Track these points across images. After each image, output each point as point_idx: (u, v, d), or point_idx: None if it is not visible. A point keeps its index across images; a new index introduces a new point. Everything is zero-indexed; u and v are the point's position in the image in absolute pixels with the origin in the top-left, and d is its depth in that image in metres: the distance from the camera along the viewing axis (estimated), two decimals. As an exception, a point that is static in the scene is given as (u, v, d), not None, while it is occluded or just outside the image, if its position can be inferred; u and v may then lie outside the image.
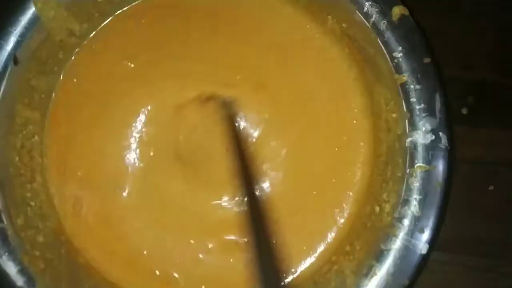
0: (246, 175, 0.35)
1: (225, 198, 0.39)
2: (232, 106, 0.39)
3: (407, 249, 0.33)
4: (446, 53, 0.42)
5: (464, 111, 0.45)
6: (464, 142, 0.43)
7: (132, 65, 0.41)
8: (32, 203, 0.39)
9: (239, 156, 0.36)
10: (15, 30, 0.37)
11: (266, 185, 0.39)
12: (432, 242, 0.32)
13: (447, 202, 0.33)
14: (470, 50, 0.46)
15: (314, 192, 0.38)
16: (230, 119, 0.38)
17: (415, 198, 0.33)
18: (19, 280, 0.35)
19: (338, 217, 0.38)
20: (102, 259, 0.39)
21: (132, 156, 0.40)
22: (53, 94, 0.41)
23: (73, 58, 0.42)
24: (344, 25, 0.39)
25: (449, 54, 0.44)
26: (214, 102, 0.39)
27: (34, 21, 0.38)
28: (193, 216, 0.39)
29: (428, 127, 0.34)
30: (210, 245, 0.38)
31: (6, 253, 0.35)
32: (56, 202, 0.40)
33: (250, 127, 0.40)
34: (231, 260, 0.38)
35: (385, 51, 0.36)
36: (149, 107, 0.40)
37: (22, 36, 0.37)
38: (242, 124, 0.39)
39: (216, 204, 0.39)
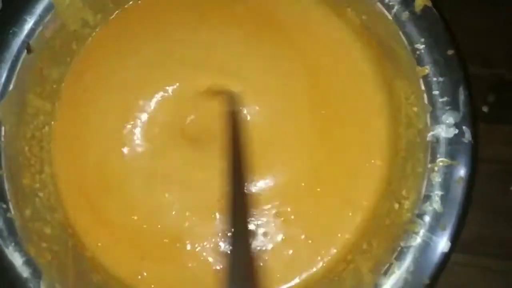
0: (238, 176, 0.33)
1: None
2: (236, 102, 0.38)
3: (428, 246, 0.31)
4: (465, 49, 0.41)
5: (485, 109, 0.44)
6: (485, 140, 0.41)
7: (144, 54, 0.40)
8: (41, 194, 0.38)
9: (234, 154, 0.34)
10: (29, 18, 0.37)
11: (281, 179, 0.38)
12: (454, 240, 0.31)
13: (470, 199, 0.32)
14: (490, 47, 0.44)
15: (330, 188, 0.37)
16: (233, 114, 0.37)
17: (437, 194, 0.32)
18: (25, 272, 0.34)
19: (354, 214, 0.37)
20: (108, 251, 0.39)
21: (140, 142, 0.39)
22: (64, 83, 0.41)
23: (85, 47, 0.41)
24: (363, 17, 0.38)
25: (468, 51, 0.43)
26: (222, 96, 0.38)
27: (49, 10, 0.37)
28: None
29: (452, 120, 0.33)
30: None
31: (13, 244, 0.35)
32: (64, 193, 0.39)
33: (266, 122, 0.39)
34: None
35: (406, 43, 0.35)
36: (160, 96, 0.40)
37: (36, 24, 0.37)
38: (251, 118, 0.38)
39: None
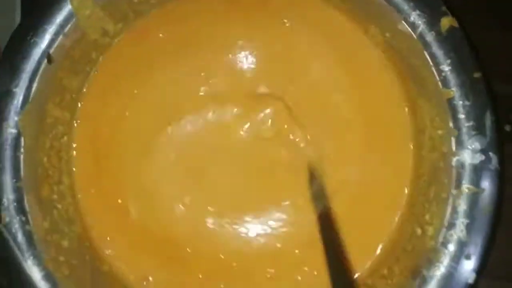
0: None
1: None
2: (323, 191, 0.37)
3: (452, 276, 0.31)
4: (488, 67, 0.40)
5: (508, 128, 0.43)
6: (507, 160, 0.40)
7: (163, 65, 0.40)
8: (59, 206, 0.38)
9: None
10: (50, 28, 0.36)
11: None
12: (480, 271, 0.30)
13: (496, 228, 0.31)
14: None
15: (353, 211, 0.37)
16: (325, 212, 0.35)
17: (462, 222, 0.31)
18: (43, 286, 0.34)
19: (375, 238, 0.36)
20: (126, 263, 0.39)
21: (162, 155, 0.39)
22: (84, 92, 0.41)
23: (104, 56, 0.41)
24: (387, 34, 0.37)
25: (491, 68, 0.42)
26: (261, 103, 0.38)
27: (69, 20, 0.37)
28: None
29: (478, 146, 0.32)
30: None
31: (31, 257, 0.35)
32: (83, 204, 0.39)
33: (292, 144, 0.38)
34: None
35: (431, 64, 0.34)
36: (179, 107, 0.40)
37: (57, 34, 0.37)
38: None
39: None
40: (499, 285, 0.39)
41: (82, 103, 0.41)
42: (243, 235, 0.39)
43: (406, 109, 0.38)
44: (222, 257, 0.38)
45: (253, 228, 0.39)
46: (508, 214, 0.39)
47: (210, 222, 0.39)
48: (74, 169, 0.40)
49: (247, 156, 0.39)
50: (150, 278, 0.39)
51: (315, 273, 0.37)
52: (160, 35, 0.40)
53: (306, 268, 0.37)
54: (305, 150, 0.38)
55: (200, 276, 0.38)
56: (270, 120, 0.38)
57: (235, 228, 0.39)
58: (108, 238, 0.39)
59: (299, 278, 0.38)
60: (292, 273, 0.38)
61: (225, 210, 0.39)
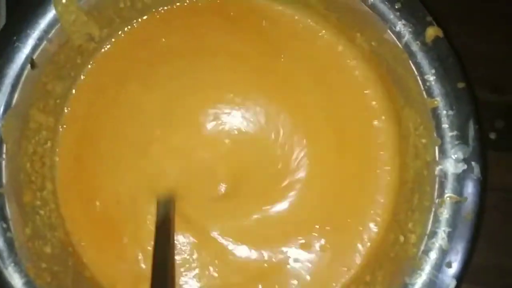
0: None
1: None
2: (169, 206, 0.37)
3: (433, 284, 0.31)
4: (475, 75, 0.41)
5: (492, 135, 0.43)
6: (492, 168, 0.41)
7: (151, 74, 0.39)
8: (42, 212, 0.38)
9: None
10: (33, 33, 0.36)
11: (285, 205, 0.37)
12: (460, 278, 0.31)
13: (477, 236, 0.31)
14: (500, 73, 0.44)
15: (336, 215, 0.37)
16: (167, 223, 0.35)
17: (444, 231, 0.32)
18: (24, 294, 0.34)
19: (358, 244, 0.36)
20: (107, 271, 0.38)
21: (150, 169, 0.39)
22: (69, 98, 0.40)
23: (91, 63, 0.41)
24: (373, 43, 0.37)
25: (478, 77, 0.42)
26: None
27: (54, 25, 0.37)
28: None
29: (460, 155, 0.32)
30: None
31: (12, 264, 0.34)
32: (64, 209, 0.39)
33: (278, 148, 0.38)
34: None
35: (416, 73, 0.34)
36: (166, 119, 0.39)
37: (41, 39, 0.36)
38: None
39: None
40: (480, 291, 0.40)
41: (69, 108, 0.40)
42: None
43: (392, 119, 0.38)
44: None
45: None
46: (490, 222, 0.40)
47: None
48: (57, 174, 0.39)
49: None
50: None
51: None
52: (148, 42, 0.40)
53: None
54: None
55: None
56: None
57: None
58: (88, 245, 0.38)
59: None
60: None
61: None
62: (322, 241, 0.37)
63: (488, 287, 0.40)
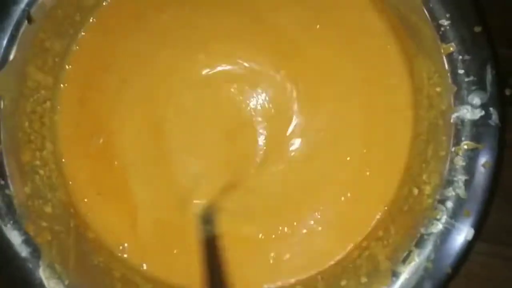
0: None
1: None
2: (211, 220, 0.37)
3: (450, 233, 0.30)
4: (492, 28, 0.39)
5: (507, 92, 0.41)
6: (508, 125, 0.39)
7: (154, 26, 0.38)
8: (41, 172, 0.37)
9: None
10: (30, -15, 0.35)
11: (297, 168, 0.37)
12: (478, 227, 0.29)
13: (496, 185, 0.30)
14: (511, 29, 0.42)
15: (344, 175, 0.36)
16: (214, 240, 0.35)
17: (460, 179, 0.30)
18: (23, 251, 0.33)
19: (375, 205, 0.35)
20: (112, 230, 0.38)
21: (148, 131, 0.38)
22: (69, 56, 0.39)
23: (91, 19, 0.39)
24: (383, -11, 0.36)
25: (495, 30, 0.40)
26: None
27: (51, -24, 0.35)
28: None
29: (478, 101, 0.31)
30: None
31: (11, 221, 0.34)
32: (67, 171, 0.38)
33: (282, 105, 0.37)
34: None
35: (430, 19, 0.33)
36: (171, 75, 0.38)
37: (37, -8, 0.35)
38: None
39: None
40: (498, 250, 0.38)
41: (70, 66, 0.39)
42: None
43: (405, 69, 0.36)
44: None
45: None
46: (506, 180, 0.38)
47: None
48: (58, 133, 0.39)
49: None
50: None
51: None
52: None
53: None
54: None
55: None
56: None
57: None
58: (93, 204, 0.38)
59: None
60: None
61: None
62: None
63: (508, 246, 0.38)
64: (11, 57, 0.35)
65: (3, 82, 0.34)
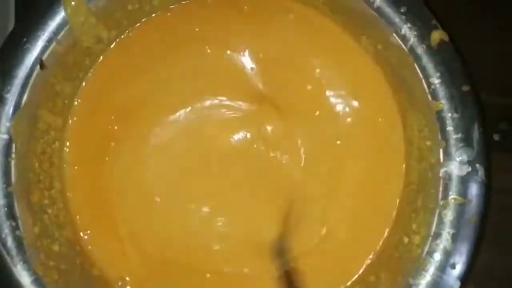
0: None
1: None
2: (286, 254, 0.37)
3: (437, 285, 0.31)
4: (479, 76, 0.41)
5: (496, 137, 0.43)
6: (495, 170, 0.41)
7: (158, 72, 0.40)
8: (49, 211, 0.38)
9: None
10: (43, 34, 0.37)
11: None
12: (464, 279, 0.31)
13: (481, 238, 0.32)
14: (505, 75, 0.44)
15: (340, 217, 0.37)
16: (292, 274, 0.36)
17: (448, 232, 0.32)
18: (32, 291, 0.34)
19: (363, 245, 0.37)
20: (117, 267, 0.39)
21: (158, 166, 0.40)
22: (78, 98, 0.41)
23: (98, 63, 0.41)
24: (379, 46, 0.38)
25: (482, 78, 0.42)
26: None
27: (63, 26, 0.37)
28: None
29: (465, 158, 0.33)
30: None
31: (21, 262, 0.35)
32: (73, 207, 0.40)
33: (279, 153, 0.39)
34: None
35: (421, 76, 0.34)
36: (174, 117, 0.40)
37: (50, 41, 0.37)
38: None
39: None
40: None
41: (78, 100, 0.41)
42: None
43: (399, 119, 0.38)
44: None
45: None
46: (495, 223, 0.40)
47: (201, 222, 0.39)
48: (65, 168, 0.40)
49: (235, 165, 0.39)
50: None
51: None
52: (156, 38, 0.41)
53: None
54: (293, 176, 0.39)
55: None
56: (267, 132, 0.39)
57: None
58: (98, 242, 0.39)
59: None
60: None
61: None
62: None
63: (492, 288, 0.40)
64: (23, 102, 0.36)
65: (17, 126, 0.36)
